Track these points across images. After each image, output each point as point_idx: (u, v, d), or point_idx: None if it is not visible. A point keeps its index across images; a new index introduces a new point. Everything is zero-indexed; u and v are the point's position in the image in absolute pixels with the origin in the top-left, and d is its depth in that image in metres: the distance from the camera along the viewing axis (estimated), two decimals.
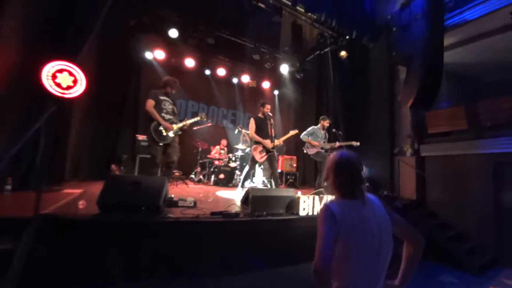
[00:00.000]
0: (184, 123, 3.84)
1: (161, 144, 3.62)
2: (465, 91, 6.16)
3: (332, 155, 1.30)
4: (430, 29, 4.82)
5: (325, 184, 1.32)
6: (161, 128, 3.61)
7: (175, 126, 3.73)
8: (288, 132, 4.73)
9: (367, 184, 4.73)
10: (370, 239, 1.10)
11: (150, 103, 3.62)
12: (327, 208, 1.13)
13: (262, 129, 4.41)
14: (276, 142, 4.43)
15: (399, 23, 5.75)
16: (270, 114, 4.48)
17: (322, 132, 5.13)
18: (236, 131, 6.57)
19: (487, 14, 4.56)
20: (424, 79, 4.99)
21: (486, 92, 5.24)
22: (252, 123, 4.41)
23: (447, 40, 5.05)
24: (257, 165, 5.55)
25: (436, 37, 4.93)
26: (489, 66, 5.85)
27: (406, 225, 1.27)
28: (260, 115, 4.51)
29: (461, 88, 6.23)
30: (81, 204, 2.43)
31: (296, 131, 4.73)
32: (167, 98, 3.84)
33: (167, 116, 3.74)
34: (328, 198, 3.29)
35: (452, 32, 5.15)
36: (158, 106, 3.69)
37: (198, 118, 4.12)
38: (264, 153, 4.36)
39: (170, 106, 3.85)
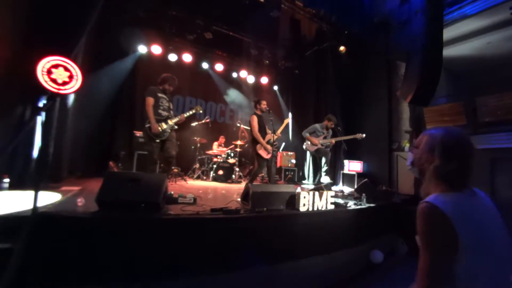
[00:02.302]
0: (179, 117, 3.83)
1: (157, 140, 3.60)
2: (463, 87, 6.18)
3: (434, 133, 0.98)
4: (429, 24, 4.80)
5: (415, 168, 1.01)
6: (157, 125, 3.58)
7: (170, 122, 3.73)
8: (282, 123, 4.67)
9: (366, 179, 4.75)
10: (499, 245, 0.82)
11: (150, 101, 3.62)
12: (434, 208, 0.81)
13: (261, 127, 4.34)
14: (277, 135, 4.31)
15: (399, 19, 5.71)
16: (268, 109, 4.37)
17: (325, 131, 5.13)
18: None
19: (486, 9, 4.55)
20: (423, 74, 4.98)
21: (484, 88, 5.25)
22: (254, 121, 4.29)
23: (446, 35, 5.04)
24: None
25: (435, 33, 4.90)
26: (488, 61, 5.86)
27: None
28: (258, 112, 4.42)
29: (459, 84, 6.24)
30: (80, 201, 2.40)
31: (288, 120, 4.72)
32: (164, 95, 3.83)
33: (164, 113, 3.74)
34: (329, 194, 3.30)
35: (451, 27, 5.14)
36: (156, 104, 3.69)
37: (194, 111, 4.11)
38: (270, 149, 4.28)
39: (167, 103, 3.85)
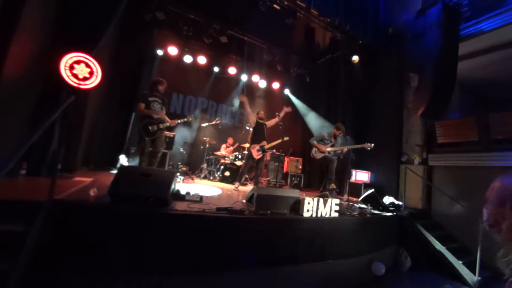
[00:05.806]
0: (170, 123, 4.31)
1: (147, 138, 4.11)
2: (477, 103, 6.08)
3: (506, 181, 0.81)
4: (444, 38, 4.80)
5: (494, 229, 0.81)
6: (150, 126, 4.10)
7: (161, 126, 4.21)
8: (282, 138, 5.02)
9: (372, 189, 4.72)
10: None
11: (141, 106, 4.11)
12: None
13: (259, 131, 5.07)
14: (268, 145, 5.03)
15: (413, 31, 5.72)
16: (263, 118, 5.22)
17: (333, 139, 5.14)
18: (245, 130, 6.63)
19: (504, 25, 4.50)
20: (436, 88, 4.96)
21: (498, 105, 5.15)
22: (253, 126, 5.23)
23: (462, 50, 5.01)
24: None
25: (450, 47, 4.90)
26: (504, 78, 5.75)
27: None
28: (258, 119, 5.14)
29: (473, 100, 6.15)
30: (93, 191, 2.50)
31: (286, 138, 5.02)
32: (155, 99, 4.22)
33: (156, 116, 4.18)
34: (333, 201, 3.31)
35: (467, 43, 5.09)
36: (147, 108, 4.14)
37: (186, 119, 4.66)
38: (260, 152, 4.93)
39: (159, 106, 4.24)
